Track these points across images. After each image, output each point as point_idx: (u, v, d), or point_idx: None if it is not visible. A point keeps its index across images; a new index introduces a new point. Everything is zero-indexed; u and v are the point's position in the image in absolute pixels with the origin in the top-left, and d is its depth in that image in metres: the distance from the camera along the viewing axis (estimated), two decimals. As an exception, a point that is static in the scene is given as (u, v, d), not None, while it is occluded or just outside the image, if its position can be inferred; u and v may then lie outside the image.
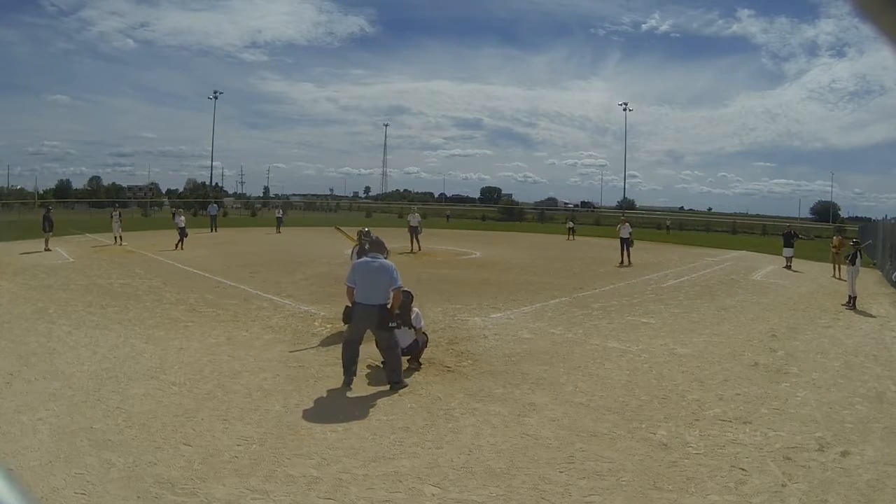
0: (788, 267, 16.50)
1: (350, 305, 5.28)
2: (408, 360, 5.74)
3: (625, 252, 16.23)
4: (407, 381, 5.30)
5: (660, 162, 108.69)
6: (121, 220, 19.05)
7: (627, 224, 16.77)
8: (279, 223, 26.65)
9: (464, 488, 3.43)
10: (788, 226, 20.18)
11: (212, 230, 24.91)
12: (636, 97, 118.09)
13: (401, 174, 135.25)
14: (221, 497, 3.26)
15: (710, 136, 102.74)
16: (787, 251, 16.94)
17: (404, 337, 5.71)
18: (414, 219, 18.61)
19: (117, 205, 22.34)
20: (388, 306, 5.18)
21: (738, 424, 4.55)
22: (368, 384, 5.34)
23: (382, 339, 5.23)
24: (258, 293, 10.01)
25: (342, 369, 5.23)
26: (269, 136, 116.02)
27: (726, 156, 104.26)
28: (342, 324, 7.63)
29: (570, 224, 28.63)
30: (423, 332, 5.99)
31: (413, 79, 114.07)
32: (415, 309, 5.92)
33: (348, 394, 5.07)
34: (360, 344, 5.28)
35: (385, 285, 5.16)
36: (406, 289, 5.73)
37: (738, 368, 6.18)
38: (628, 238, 16.31)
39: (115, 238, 18.23)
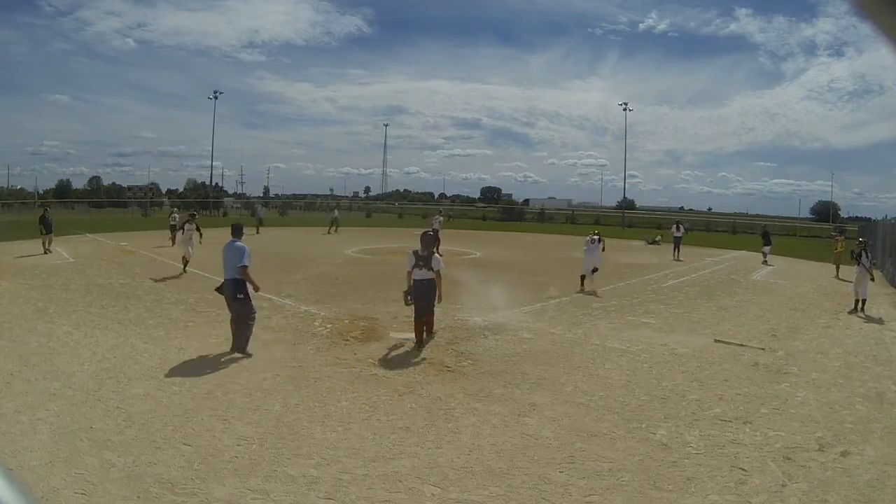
0: (766, 262, 17.78)
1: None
2: (424, 333, 6.59)
3: (676, 249, 18.70)
4: (251, 352, 5.96)
5: (659, 162, 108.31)
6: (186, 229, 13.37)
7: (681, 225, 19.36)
8: (335, 224, 25.19)
9: (464, 488, 3.43)
10: (764, 225, 21.81)
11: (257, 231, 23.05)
12: (635, 97, 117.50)
13: (401, 174, 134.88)
14: (221, 497, 3.26)
15: (710, 136, 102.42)
16: (766, 248, 18.39)
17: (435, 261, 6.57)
18: (437, 222, 17.79)
19: (176, 207, 18.71)
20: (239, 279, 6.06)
21: (738, 424, 4.56)
22: (368, 384, 5.33)
23: (233, 310, 6.05)
24: (258, 293, 9.97)
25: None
26: (268, 136, 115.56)
27: (726, 156, 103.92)
28: (342, 323, 7.71)
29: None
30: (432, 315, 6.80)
31: (411, 78, 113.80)
32: (437, 255, 6.70)
33: (349, 393, 5.07)
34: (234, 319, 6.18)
35: (235, 263, 6.02)
36: (430, 231, 7.04)
37: (738, 368, 6.18)
38: (680, 237, 18.79)
39: (186, 253, 13.05)
